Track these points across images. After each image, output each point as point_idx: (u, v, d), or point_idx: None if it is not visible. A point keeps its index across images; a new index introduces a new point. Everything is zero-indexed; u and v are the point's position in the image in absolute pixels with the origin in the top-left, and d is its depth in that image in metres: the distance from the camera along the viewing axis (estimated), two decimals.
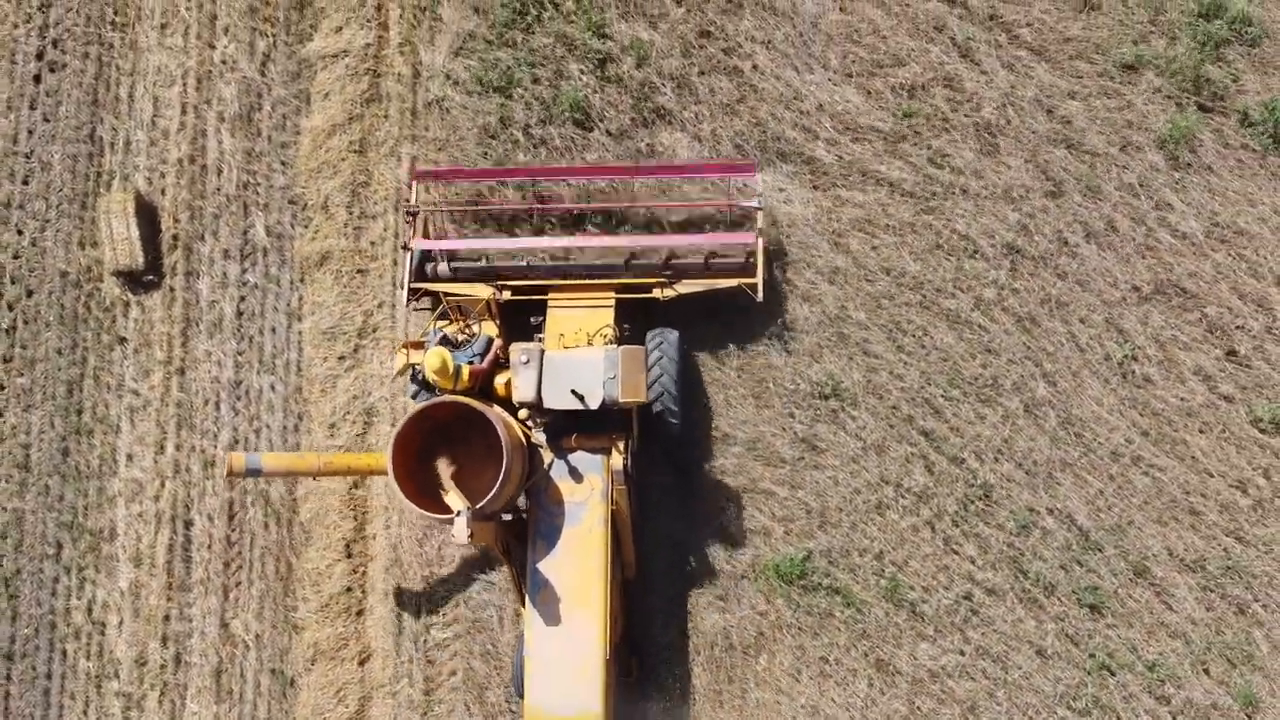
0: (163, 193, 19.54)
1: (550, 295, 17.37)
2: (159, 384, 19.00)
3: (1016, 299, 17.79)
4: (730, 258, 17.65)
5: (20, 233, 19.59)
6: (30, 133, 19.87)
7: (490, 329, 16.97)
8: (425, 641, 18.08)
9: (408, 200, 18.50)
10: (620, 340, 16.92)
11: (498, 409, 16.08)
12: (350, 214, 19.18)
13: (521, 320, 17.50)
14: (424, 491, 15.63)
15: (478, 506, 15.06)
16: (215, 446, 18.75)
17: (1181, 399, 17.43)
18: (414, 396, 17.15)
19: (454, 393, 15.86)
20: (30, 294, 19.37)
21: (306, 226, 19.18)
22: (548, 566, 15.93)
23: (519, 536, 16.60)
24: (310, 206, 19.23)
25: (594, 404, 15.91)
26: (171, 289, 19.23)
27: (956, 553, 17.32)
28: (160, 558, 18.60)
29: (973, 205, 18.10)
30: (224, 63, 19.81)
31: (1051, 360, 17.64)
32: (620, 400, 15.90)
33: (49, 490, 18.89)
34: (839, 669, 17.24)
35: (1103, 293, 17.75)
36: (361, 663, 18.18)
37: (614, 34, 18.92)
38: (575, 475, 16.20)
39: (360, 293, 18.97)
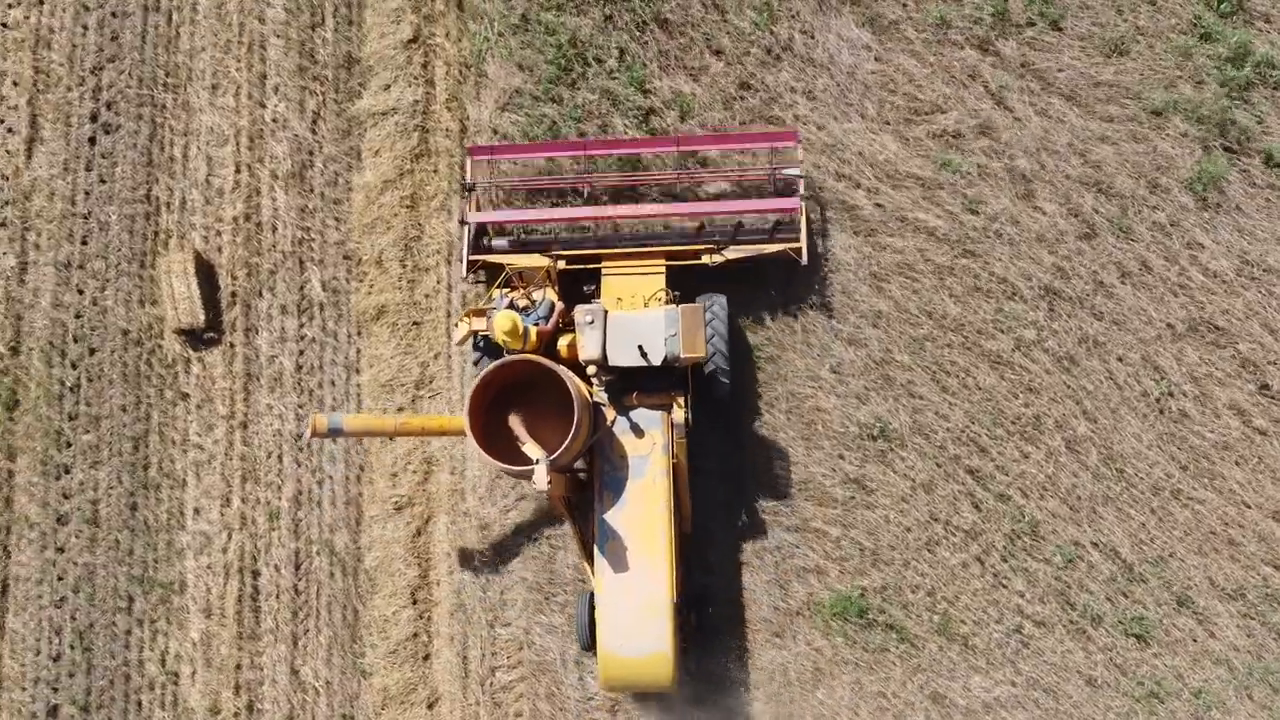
0: (219, 250, 19.62)
1: (603, 263, 17.68)
2: (222, 438, 19.06)
3: (1055, 339, 18.00)
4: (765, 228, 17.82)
5: (81, 292, 19.61)
6: (87, 194, 19.91)
7: (550, 295, 17.29)
8: (491, 685, 18.19)
9: (463, 177, 18.64)
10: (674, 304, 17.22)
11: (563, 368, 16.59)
12: (404, 267, 19.28)
13: (574, 288, 17.64)
14: (495, 449, 15.86)
15: (553, 457, 15.43)
16: (279, 499, 18.86)
17: (1218, 433, 17.65)
18: (476, 364, 17.47)
19: (522, 353, 16.21)
20: (93, 352, 19.41)
21: (362, 281, 19.26)
22: (614, 517, 16.29)
23: (577, 493, 17.05)
24: (365, 261, 19.30)
25: (656, 360, 16.20)
26: (231, 345, 19.29)
27: (1005, 587, 17.54)
28: (230, 608, 18.69)
29: (1010, 249, 18.30)
30: (275, 121, 19.87)
31: (1091, 398, 17.85)
32: (681, 356, 16.18)
33: (119, 544, 18.96)
34: (895, 702, 17.42)
35: (1138, 331, 17.95)
36: (430, 706, 18.30)
37: (656, 89, 19.03)
38: (637, 431, 16.52)
39: (416, 345, 19.07)
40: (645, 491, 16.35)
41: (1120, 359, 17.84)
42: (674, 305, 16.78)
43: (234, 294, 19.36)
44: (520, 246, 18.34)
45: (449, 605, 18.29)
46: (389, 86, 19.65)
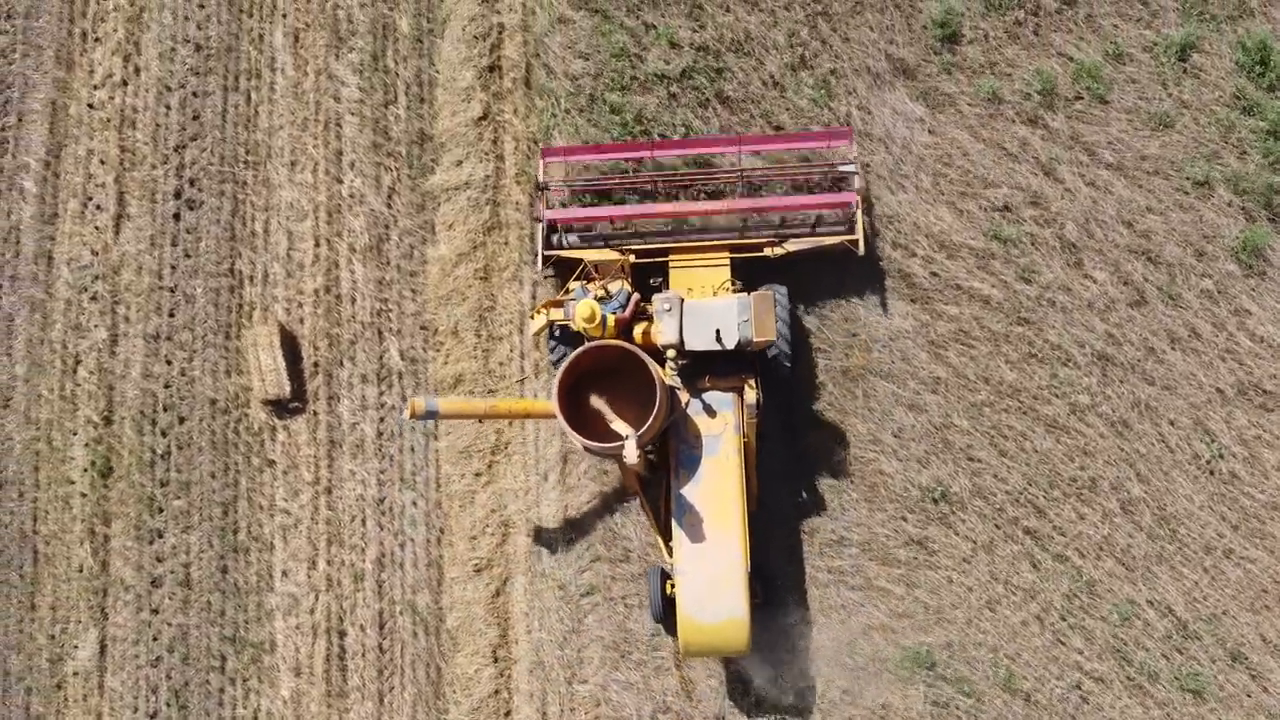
0: (301, 322, 20.00)
1: (670, 257, 18.15)
2: (308, 503, 19.46)
3: (1109, 404, 18.30)
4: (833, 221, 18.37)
5: (169, 363, 20.03)
6: (173, 268, 20.33)
7: (625, 286, 17.65)
8: None
9: (536, 177, 18.97)
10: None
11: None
12: (479, 337, 19.63)
13: (642, 280, 17.93)
14: (579, 431, 16.37)
15: (639, 432, 16.04)
16: (363, 561, 19.26)
17: (1267, 494, 17.89)
18: (553, 352, 18.01)
19: (603, 340, 16.74)
20: (182, 421, 19.81)
21: (438, 351, 19.70)
22: (690, 493, 16.88)
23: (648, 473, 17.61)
24: (441, 332, 19.69)
25: (730, 344, 16.70)
26: (315, 413, 19.67)
27: (1065, 644, 17.85)
28: (318, 667, 19.09)
29: (1063, 316, 18.63)
30: (351, 196, 20.26)
31: (1144, 461, 18.14)
32: (754, 340, 16.65)
33: (210, 606, 19.36)
34: None
35: (1189, 396, 18.24)
36: None
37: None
38: (709, 412, 17.09)
39: None
40: (719, 468, 16.91)
41: (1172, 423, 18.15)
42: (745, 293, 17.24)
43: (316, 364, 19.75)
44: (590, 242, 18.76)
45: (528, 663, 18.66)
46: (461, 162, 20.03)
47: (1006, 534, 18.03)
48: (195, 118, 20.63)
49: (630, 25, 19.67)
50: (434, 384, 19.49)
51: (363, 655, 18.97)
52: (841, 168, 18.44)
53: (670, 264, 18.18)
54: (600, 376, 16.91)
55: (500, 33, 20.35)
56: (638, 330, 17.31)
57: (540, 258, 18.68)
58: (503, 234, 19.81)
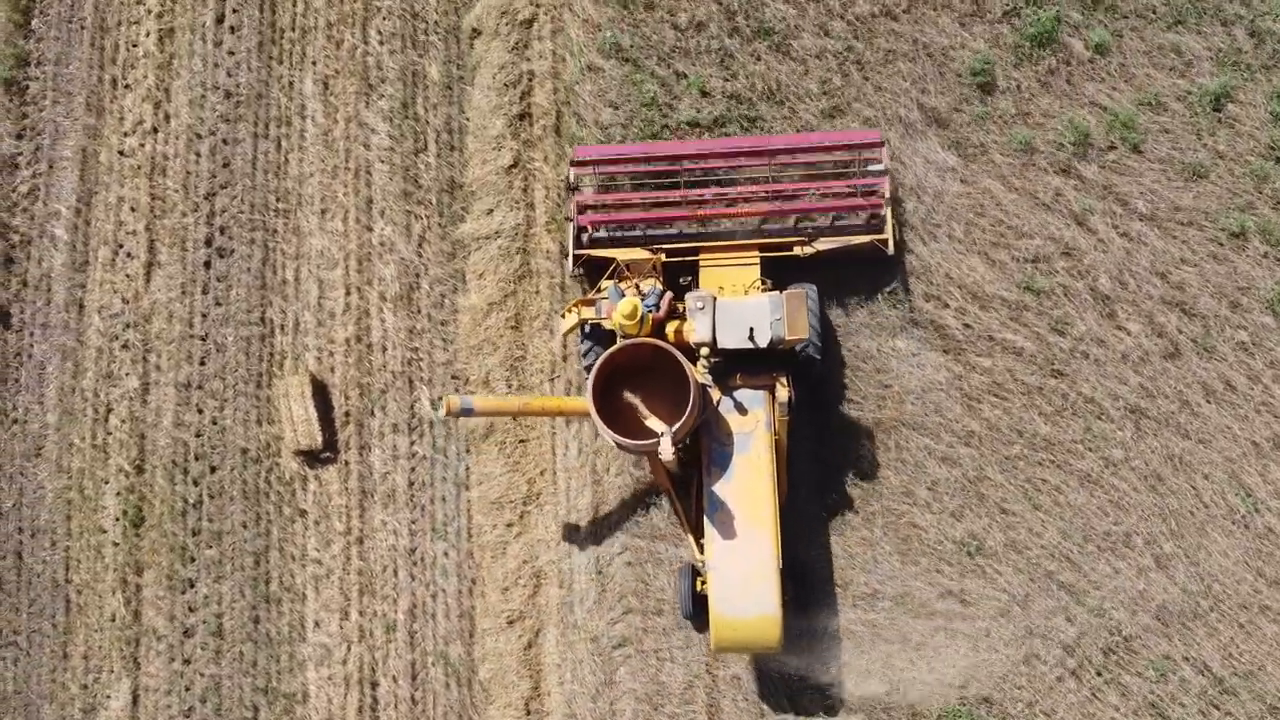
0: (332, 371, 19.69)
1: (701, 256, 17.91)
2: (340, 553, 19.13)
3: (1143, 458, 17.90)
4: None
5: (201, 411, 19.75)
6: (204, 316, 20.05)
7: (649, 283, 17.44)
8: None
9: (568, 178, 18.69)
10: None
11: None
12: (509, 387, 19.27)
13: (672, 279, 17.72)
14: (612, 428, 16.20)
15: (674, 429, 15.86)
16: (395, 611, 18.97)
17: None
18: (585, 355, 17.76)
19: (638, 337, 16.52)
20: (214, 470, 19.53)
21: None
22: (722, 490, 16.65)
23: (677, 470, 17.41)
24: (472, 381, 19.43)
25: (763, 342, 16.50)
26: (346, 463, 19.35)
27: (1100, 699, 17.45)
28: (351, 718, 18.89)
29: (1096, 369, 18.28)
30: (382, 245, 19.95)
31: (1179, 515, 17.75)
32: (786, 338, 16.48)
33: (243, 656, 19.06)
34: None
35: (1224, 449, 17.83)
36: None
37: None
38: (740, 409, 16.87)
39: (523, 462, 19.12)
40: (750, 465, 16.69)
41: (1206, 476, 17.79)
42: (777, 291, 17.01)
43: (347, 413, 19.45)
44: (618, 241, 18.45)
45: (561, 716, 18.31)
46: (491, 211, 19.73)
47: (1042, 588, 17.71)
48: (225, 165, 20.36)
49: (661, 74, 19.36)
50: (465, 435, 19.20)
51: (395, 707, 18.69)
52: (871, 169, 18.16)
53: (700, 263, 17.93)
54: (631, 374, 16.70)
55: (530, 80, 20.05)
56: (669, 328, 17.12)
57: (572, 257, 18.41)
58: (534, 282, 19.51)
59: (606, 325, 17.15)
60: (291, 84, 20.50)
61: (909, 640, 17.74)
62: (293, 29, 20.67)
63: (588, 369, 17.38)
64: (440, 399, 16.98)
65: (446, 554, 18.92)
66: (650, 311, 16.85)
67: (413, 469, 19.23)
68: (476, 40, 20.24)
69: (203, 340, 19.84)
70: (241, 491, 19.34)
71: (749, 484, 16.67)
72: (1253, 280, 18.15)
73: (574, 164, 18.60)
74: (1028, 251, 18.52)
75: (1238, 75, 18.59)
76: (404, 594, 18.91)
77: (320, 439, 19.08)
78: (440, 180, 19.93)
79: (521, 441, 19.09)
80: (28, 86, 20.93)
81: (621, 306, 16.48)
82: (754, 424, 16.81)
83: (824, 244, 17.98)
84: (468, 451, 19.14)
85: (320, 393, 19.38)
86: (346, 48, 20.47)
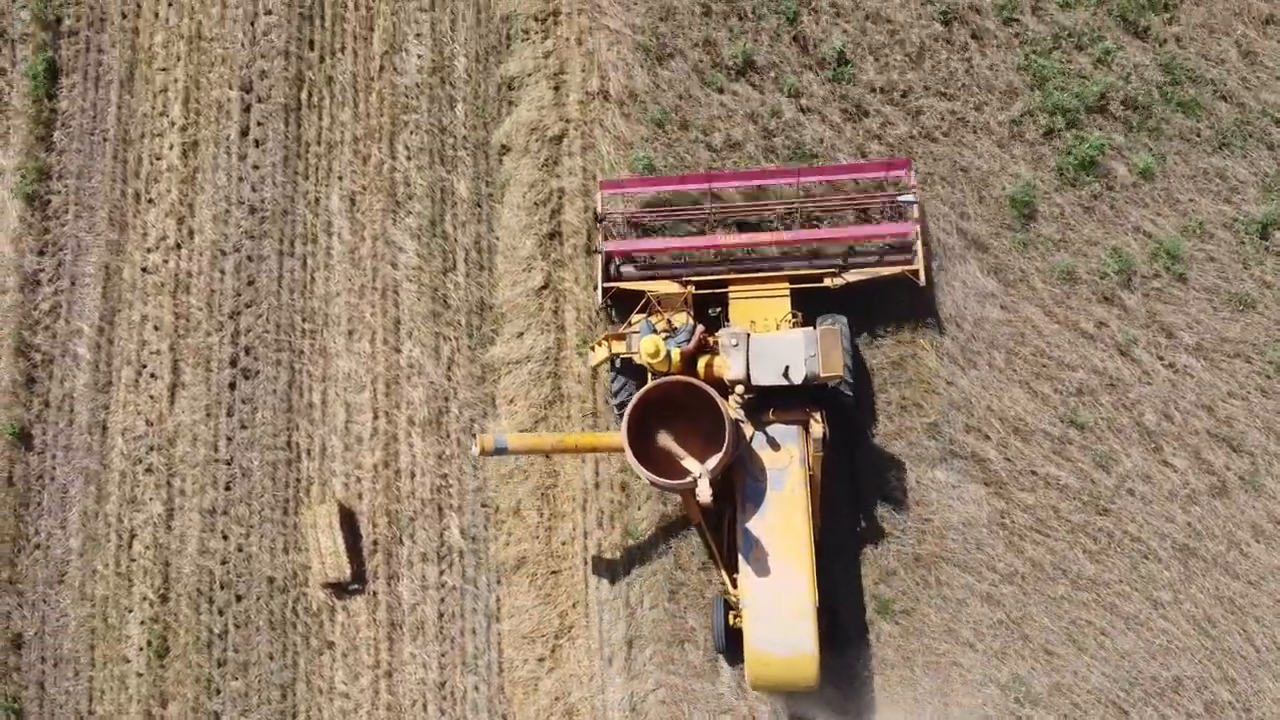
0: (360, 497, 18.87)
1: (730, 288, 17.32)
2: (368, 687, 18.22)
3: (1192, 600, 17.07)
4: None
5: (226, 538, 18.92)
6: (229, 439, 19.24)
7: (682, 319, 16.90)
8: None
9: (595, 209, 18.14)
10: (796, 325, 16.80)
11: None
12: (541, 515, 18.49)
13: (700, 310, 17.32)
14: (645, 466, 15.73)
15: (710, 469, 15.35)
16: None
17: None
18: (615, 393, 17.34)
19: (667, 374, 16.05)
20: (240, 599, 18.69)
21: (500, 528, 18.60)
22: (757, 526, 16.09)
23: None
24: (503, 510, 18.64)
25: (798, 379, 15.95)
26: (375, 593, 18.51)
27: None
28: None
29: (1142, 506, 17.44)
30: (410, 367, 19.10)
31: (1229, 660, 16.90)
32: (821, 375, 15.90)
33: None
34: None
35: (1275, 591, 16.96)
36: None
37: None
38: (774, 445, 16.35)
39: (555, 594, 18.32)
40: (785, 501, 16.16)
41: (1258, 620, 16.93)
42: (812, 327, 16.48)
43: (375, 542, 18.63)
44: (647, 273, 17.78)
45: None
46: (522, 334, 18.90)
47: None
48: (250, 283, 19.55)
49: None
50: (494, 566, 18.40)
51: None
52: (902, 199, 17.48)
53: (730, 295, 17.34)
54: (662, 407, 16.16)
55: (560, 197, 19.24)
56: (700, 362, 16.53)
57: (600, 290, 17.75)
58: (564, 407, 18.70)
59: (637, 360, 16.53)
60: (317, 200, 19.69)
61: None
62: (318, 143, 19.86)
63: (617, 404, 17.08)
64: (474, 437, 16.34)
65: (477, 688, 18.11)
66: (681, 346, 16.36)
67: (442, 600, 18.42)
68: (506, 156, 19.43)
69: (228, 464, 19.03)
70: (268, 622, 18.53)
71: (784, 520, 16.13)
72: None
73: (602, 189, 18.07)
74: (1071, 383, 17.70)
75: None
76: None
77: (349, 571, 18.26)
78: (469, 301, 19.12)
79: (553, 573, 18.29)
80: (49, 201, 20.12)
81: (644, 346, 16.04)
82: (788, 459, 16.30)
83: (855, 275, 17.35)
84: (499, 582, 18.33)
85: (348, 521, 18.56)
86: (373, 163, 19.66)
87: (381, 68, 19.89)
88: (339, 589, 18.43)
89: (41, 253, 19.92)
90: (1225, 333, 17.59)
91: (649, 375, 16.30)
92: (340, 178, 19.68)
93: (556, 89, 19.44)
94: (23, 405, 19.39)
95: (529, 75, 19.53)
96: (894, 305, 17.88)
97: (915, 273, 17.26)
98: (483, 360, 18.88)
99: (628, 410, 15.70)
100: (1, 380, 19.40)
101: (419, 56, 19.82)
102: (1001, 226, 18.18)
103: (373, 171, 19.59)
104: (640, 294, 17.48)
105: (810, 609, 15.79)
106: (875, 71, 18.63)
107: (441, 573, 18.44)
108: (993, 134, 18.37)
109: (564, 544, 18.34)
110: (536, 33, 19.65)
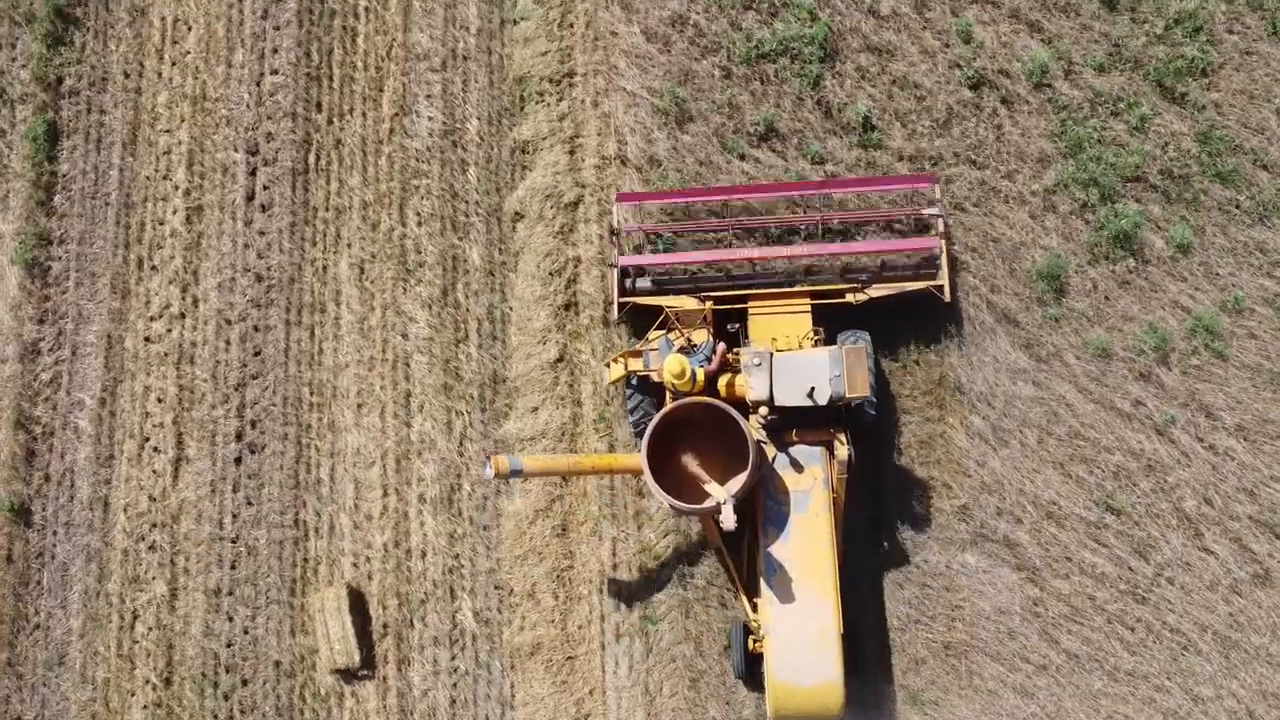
0: (369, 577, 18.02)
1: (750, 303, 16.72)
2: None
3: (1233, 695, 16.26)
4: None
5: (231, 619, 18.06)
6: (235, 516, 18.41)
7: (702, 336, 16.29)
8: None
9: (611, 223, 17.50)
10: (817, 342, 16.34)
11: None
12: (556, 599, 17.62)
13: (720, 326, 16.76)
14: (663, 487, 15.24)
15: (734, 494, 14.79)
16: None
17: None
18: (632, 411, 16.78)
19: (690, 394, 15.53)
20: (245, 683, 17.77)
21: (514, 612, 17.73)
22: (780, 551, 15.56)
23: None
24: (517, 592, 17.81)
25: (823, 400, 15.40)
26: (384, 679, 17.61)
27: None
28: None
29: (1182, 595, 16.56)
30: (421, 442, 18.30)
31: None
32: (847, 396, 15.33)
33: None
34: None
35: None
36: None
37: None
38: (796, 466, 15.83)
39: (571, 680, 17.42)
40: (808, 525, 15.62)
41: None
42: (836, 346, 15.97)
43: (385, 625, 17.75)
44: (664, 287, 17.18)
45: None
46: (536, 409, 18.06)
47: None
48: (256, 353, 18.74)
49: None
50: (508, 651, 17.59)
51: None
52: (926, 212, 16.82)
53: (750, 310, 16.71)
54: (679, 426, 15.60)
55: (576, 266, 18.41)
56: (721, 381, 16.00)
57: (616, 305, 17.06)
58: (580, 485, 17.88)
59: (655, 378, 15.96)
60: (325, 268, 18.88)
61: None
62: (326, 208, 19.06)
63: (633, 423, 16.55)
64: (489, 458, 15.74)
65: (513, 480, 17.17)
66: (703, 366, 15.77)
67: (454, 685, 17.59)
68: (519, 223, 18.62)
69: (233, 543, 18.22)
70: (275, 707, 17.72)
71: (807, 544, 15.55)
72: None
73: (618, 201, 17.45)
74: (1107, 466, 16.85)
75: None
76: None
77: (358, 658, 17.44)
78: (482, 374, 18.30)
79: (569, 658, 17.48)
80: (50, 267, 19.33)
81: (669, 365, 15.48)
82: (811, 481, 15.75)
83: (878, 290, 16.67)
84: (513, 668, 17.50)
85: (357, 602, 17.76)
86: (383, 229, 18.86)
87: (391, 130, 19.09)
88: (348, 674, 17.61)
89: (42, 321, 19.13)
90: (1268, 414, 16.75)
91: (666, 393, 15.75)
92: (349, 244, 18.89)
93: (572, 153, 18.64)
94: (22, 480, 18.61)
95: (543, 139, 18.72)
96: (925, 372, 17.10)
97: (940, 288, 16.63)
98: (496, 436, 18.07)
99: (647, 432, 15.16)
100: (1, 453, 18.58)
101: (430, 119, 19.01)
102: (1033, 300, 17.36)
103: (382, 238, 18.80)
104: (657, 310, 16.80)
105: (835, 637, 15.25)
106: (903, 138, 17.81)
107: (453, 657, 17.64)
108: (1025, 204, 17.55)
109: (580, 628, 17.53)
110: (551, 95, 18.85)
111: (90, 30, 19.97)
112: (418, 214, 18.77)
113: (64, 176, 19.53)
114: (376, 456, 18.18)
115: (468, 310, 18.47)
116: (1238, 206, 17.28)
